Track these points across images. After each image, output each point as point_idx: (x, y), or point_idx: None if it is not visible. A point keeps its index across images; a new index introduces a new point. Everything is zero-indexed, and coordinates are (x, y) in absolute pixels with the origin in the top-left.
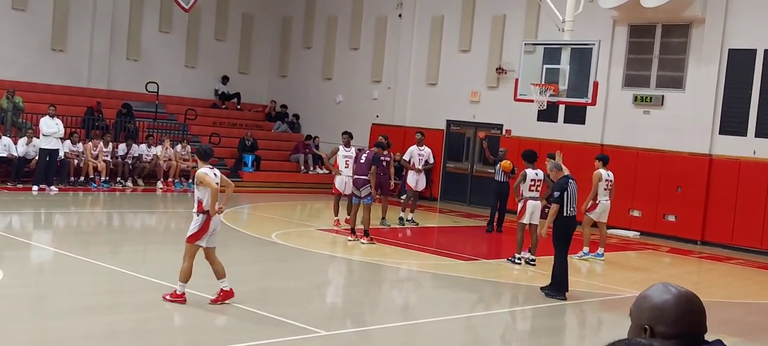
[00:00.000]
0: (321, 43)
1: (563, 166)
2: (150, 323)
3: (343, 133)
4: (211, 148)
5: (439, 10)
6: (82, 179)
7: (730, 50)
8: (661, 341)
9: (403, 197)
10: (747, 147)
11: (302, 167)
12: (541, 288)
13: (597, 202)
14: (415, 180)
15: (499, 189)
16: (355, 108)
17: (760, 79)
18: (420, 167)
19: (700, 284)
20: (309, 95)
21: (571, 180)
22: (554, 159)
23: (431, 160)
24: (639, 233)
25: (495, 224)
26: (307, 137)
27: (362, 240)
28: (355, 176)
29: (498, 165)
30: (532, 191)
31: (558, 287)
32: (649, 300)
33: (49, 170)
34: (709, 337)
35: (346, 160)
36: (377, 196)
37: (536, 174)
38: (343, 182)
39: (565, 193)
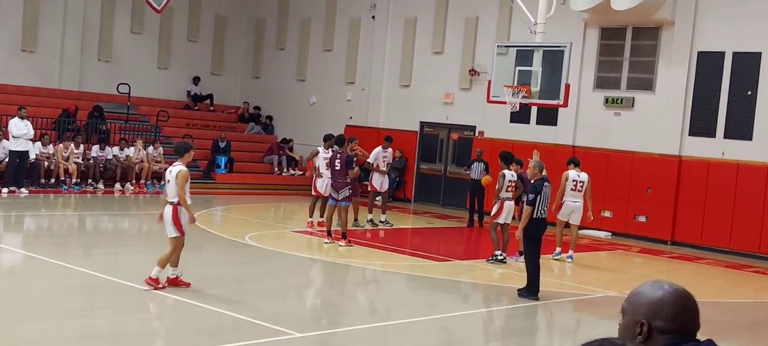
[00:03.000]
0: (294, 45)
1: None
2: (123, 326)
3: (328, 138)
4: (176, 145)
5: (412, 12)
6: (52, 181)
7: (699, 53)
8: (657, 336)
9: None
10: (716, 148)
11: (276, 169)
12: (518, 290)
13: (562, 202)
14: (379, 181)
15: (474, 187)
16: (328, 109)
17: (729, 81)
18: (384, 169)
19: None
20: (282, 97)
21: (546, 183)
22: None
23: (390, 162)
24: (610, 234)
25: (475, 220)
26: (283, 141)
27: (340, 243)
28: (334, 180)
29: (473, 165)
30: (508, 191)
31: (531, 288)
32: (645, 296)
33: (19, 172)
34: (699, 336)
35: (326, 162)
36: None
37: (512, 176)
38: (325, 184)
39: (539, 196)
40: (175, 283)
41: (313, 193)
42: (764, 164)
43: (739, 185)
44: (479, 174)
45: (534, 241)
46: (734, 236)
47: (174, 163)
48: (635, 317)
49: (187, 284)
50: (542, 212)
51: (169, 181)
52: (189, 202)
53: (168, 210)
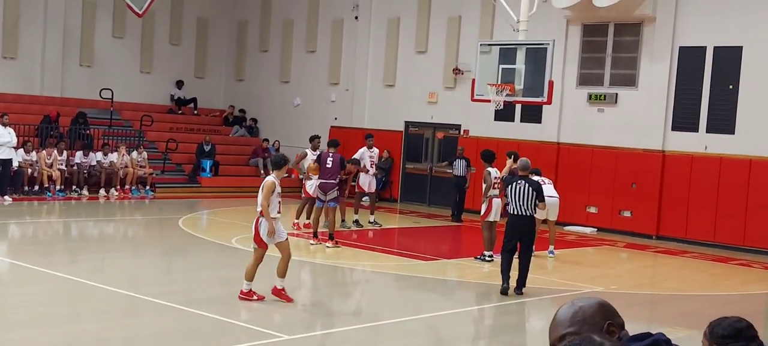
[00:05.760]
0: (277, 46)
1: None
2: (111, 332)
3: (314, 138)
4: (274, 157)
5: (395, 12)
6: (36, 188)
7: (680, 48)
8: (620, 332)
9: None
10: (698, 143)
11: (261, 171)
12: (515, 290)
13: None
14: (367, 182)
15: (458, 183)
16: (313, 111)
17: (710, 75)
18: (371, 171)
19: (656, 277)
20: (266, 99)
21: (519, 181)
22: (520, 157)
23: (376, 161)
24: (596, 230)
25: (457, 214)
26: (265, 141)
27: (327, 244)
28: (322, 180)
29: (455, 163)
30: (495, 189)
31: (502, 280)
32: (588, 307)
33: (2, 180)
34: (637, 330)
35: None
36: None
37: (497, 173)
38: (313, 185)
39: (507, 190)
40: (248, 296)
41: (303, 195)
42: (747, 158)
43: (723, 178)
44: (462, 170)
45: (507, 234)
46: (718, 229)
47: (269, 175)
48: (596, 325)
49: (261, 298)
50: (517, 208)
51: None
52: (277, 214)
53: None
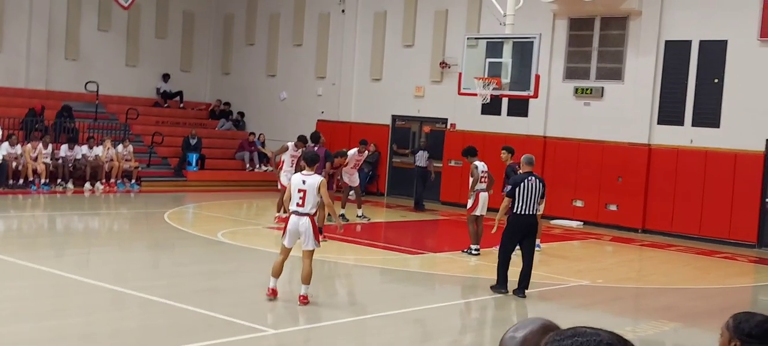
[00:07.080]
0: (264, 40)
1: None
2: (96, 326)
3: (300, 140)
4: (310, 154)
5: (382, 6)
6: (21, 181)
7: (666, 42)
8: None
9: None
10: (684, 136)
11: (247, 165)
12: (491, 286)
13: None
14: (348, 177)
15: (420, 173)
16: (299, 105)
17: (696, 69)
18: (350, 170)
19: (641, 271)
20: (253, 92)
21: (530, 178)
22: (513, 152)
23: (362, 161)
24: (582, 223)
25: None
26: (250, 134)
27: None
28: None
29: (418, 153)
30: (482, 182)
31: (499, 280)
32: (533, 334)
33: None
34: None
35: (293, 160)
36: None
37: (485, 167)
38: (287, 177)
39: (518, 189)
40: (274, 294)
41: (278, 187)
42: (732, 151)
43: (708, 172)
44: (423, 161)
45: (510, 235)
46: (704, 222)
47: (305, 172)
48: None
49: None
50: (527, 207)
51: (303, 191)
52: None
53: (305, 222)
